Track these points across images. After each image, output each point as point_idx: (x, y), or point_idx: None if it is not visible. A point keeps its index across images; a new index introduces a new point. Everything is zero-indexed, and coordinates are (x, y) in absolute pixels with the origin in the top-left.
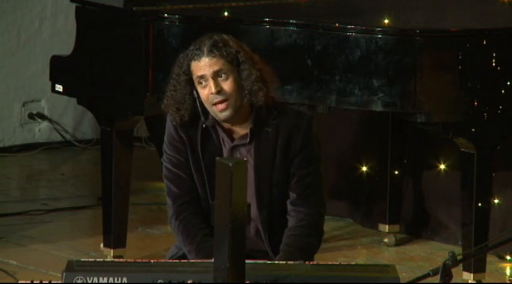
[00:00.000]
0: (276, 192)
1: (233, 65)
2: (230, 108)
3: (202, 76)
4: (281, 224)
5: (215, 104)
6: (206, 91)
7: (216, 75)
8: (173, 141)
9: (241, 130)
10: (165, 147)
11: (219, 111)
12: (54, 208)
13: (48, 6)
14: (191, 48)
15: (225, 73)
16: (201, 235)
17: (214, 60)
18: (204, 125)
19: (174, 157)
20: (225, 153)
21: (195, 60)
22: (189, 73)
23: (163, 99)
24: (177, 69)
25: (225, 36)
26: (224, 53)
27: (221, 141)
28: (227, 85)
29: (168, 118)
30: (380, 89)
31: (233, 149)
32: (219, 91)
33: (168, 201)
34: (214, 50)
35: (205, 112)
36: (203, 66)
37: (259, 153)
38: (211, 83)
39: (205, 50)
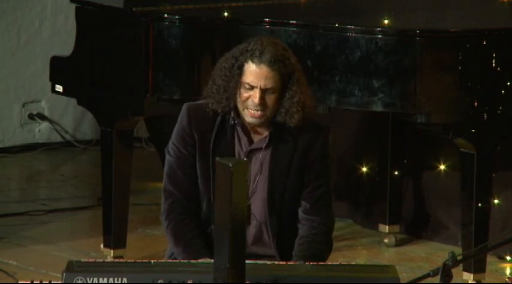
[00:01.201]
0: (288, 199)
1: (283, 82)
2: (261, 118)
3: (253, 85)
4: (290, 230)
5: (250, 110)
6: (248, 95)
7: (265, 89)
8: (183, 133)
9: (260, 134)
10: (173, 136)
11: (251, 117)
12: (54, 209)
13: (48, 6)
14: (253, 47)
15: (274, 90)
16: (189, 236)
17: (272, 74)
18: (232, 121)
19: (178, 149)
20: (241, 154)
21: (253, 62)
22: (241, 69)
23: (209, 86)
24: (232, 61)
25: (286, 49)
26: (283, 70)
27: (237, 141)
28: (270, 100)
29: (185, 108)
30: (380, 90)
31: (250, 152)
32: (261, 104)
33: (162, 197)
34: (276, 63)
35: (236, 110)
36: (259, 74)
37: (275, 159)
38: (257, 93)
39: (267, 58)
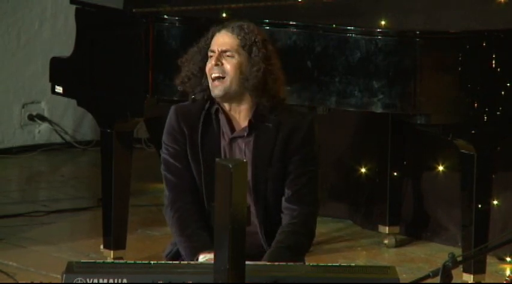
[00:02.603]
0: (272, 187)
1: (244, 49)
2: (223, 86)
3: (212, 50)
4: (277, 219)
5: (213, 79)
6: (209, 64)
7: (223, 51)
8: (173, 131)
9: (242, 123)
10: (164, 138)
11: (213, 87)
12: (54, 210)
13: (48, 7)
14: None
15: (231, 53)
16: (193, 227)
17: (230, 36)
18: (210, 105)
19: (171, 147)
20: (224, 144)
21: (218, 32)
22: (209, 43)
23: (180, 69)
24: (203, 40)
25: (255, 26)
26: (242, 34)
27: (221, 131)
28: (228, 63)
29: (172, 108)
30: (380, 90)
31: (232, 140)
32: (218, 65)
33: (165, 191)
34: (236, 28)
35: (212, 98)
36: (219, 38)
37: (257, 147)
38: (214, 55)
39: (229, 25)
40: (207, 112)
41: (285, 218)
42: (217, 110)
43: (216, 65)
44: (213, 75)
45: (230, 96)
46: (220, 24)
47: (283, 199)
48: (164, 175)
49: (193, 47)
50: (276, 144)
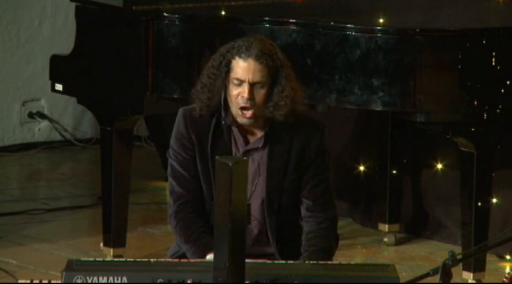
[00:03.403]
0: (286, 198)
1: (272, 77)
2: (252, 115)
3: (241, 80)
4: (289, 229)
5: (241, 108)
6: (237, 92)
7: (254, 82)
8: (181, 138)
9: (256, 134)
10: (172, 142)
11: (243, 117)
12: (54, 208)
13: (48, 5)
14: (239, 43)
15: (262, 84)
16: (197, 232)
17: (260, 67)
18: (223, 122)
19: (179, 154)
20: (238, 155)
21: (240, 58)
22: (229, 66)
23: (196, 85)
24: (219, 59)
25: (273, 45)
26: (270, 63)
27: (233, 142)
28: (259, 95)
29: (180, 113)
30: (380, 88)
31: (246, 153)
32: (250, 99)
33: (170, 200)
34: (263, 57)
35: (226, 110)
36: (247, 68)
37: (272, 159)
38: (246, 88)
39: (254, 52)
40: (218, 120)
41: (310, 225)
42: (232, 121)
43: (249, 98)
44: (243, 105)
45: (255, 120)
46: (236, 47)
47: (303, 208)
48: (170, 182)
49: (212, 70)
50: (291, 155)
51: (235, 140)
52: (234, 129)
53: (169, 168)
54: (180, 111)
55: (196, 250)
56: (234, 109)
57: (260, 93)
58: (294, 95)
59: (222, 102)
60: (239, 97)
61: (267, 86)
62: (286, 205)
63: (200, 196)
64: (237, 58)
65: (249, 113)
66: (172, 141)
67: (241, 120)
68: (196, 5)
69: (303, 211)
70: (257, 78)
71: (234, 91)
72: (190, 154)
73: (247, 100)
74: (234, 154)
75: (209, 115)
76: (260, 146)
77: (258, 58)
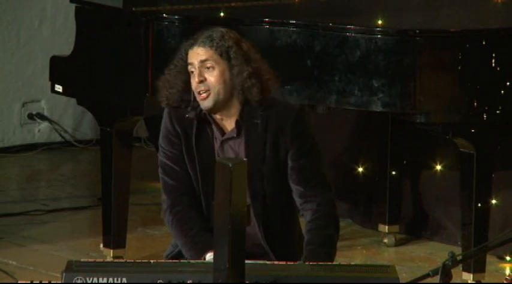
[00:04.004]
0: (268, 184)
1: (222, 58)
2: (211, 99)
3: (191, 64)
4: (275, 216)
5: (198, 93)
6: (194, 82)
7: (202, 65)
8: (168, 134)
9: (231, 124)
10: (160, 141)
11: (201, 100)
12: (53, 209)
13: (48, 6)
14: (192, 38)
15: (211, 64)
16: (196, 228)
17: (204, 50)
18: (190, 115)
19: (168, 151)
20: (216, 147)
21: (190, 49)
22: (185, 60)
23: (159, 80)
24: (178, 55)
25: (223, 30)
26: (214, 45)
27: (213, 134)
28: (211, 76)
29: (166, 111)
30: (380, 89)
31: (223, 143)
32: (202, 81)
33: (163, 195)
34: (206, 40)
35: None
36: (193, 54)
37: (248, 146)
38: (196, 72)
39: (199, 39)
40: (199, 117)
41: (307, 215)
42: (205, 115)
43: (200, 81)
44: (199, 90)
45: (220, 105)
46: (190, 40)
47: (296, 196)
48: (162, 178)
49: (171, 66)
50: (267, 140)
51: (213, 132)
52: (212, 122)
53: (159, 165)
54: (165, 110)
55: (194, 246)
56: (198, 100)
57: (212, 75)
58: (261, 76)
59: (192, 97)
60: (195, 85)
61: (219, 68)
62: (269, 191)
63: (193, 189)
64: (189, 50)
65: (203, 96)
66: (161, 140)
67: (202, 105)
68: (196, 6)
69: (297, 200)
70: (202, 57)
71: (192, 82)
72: (178, 149)
73: (198, 83)
74: (215, 147)
75: (192, 110)
76: (235, 135)
77: (202, 43)
